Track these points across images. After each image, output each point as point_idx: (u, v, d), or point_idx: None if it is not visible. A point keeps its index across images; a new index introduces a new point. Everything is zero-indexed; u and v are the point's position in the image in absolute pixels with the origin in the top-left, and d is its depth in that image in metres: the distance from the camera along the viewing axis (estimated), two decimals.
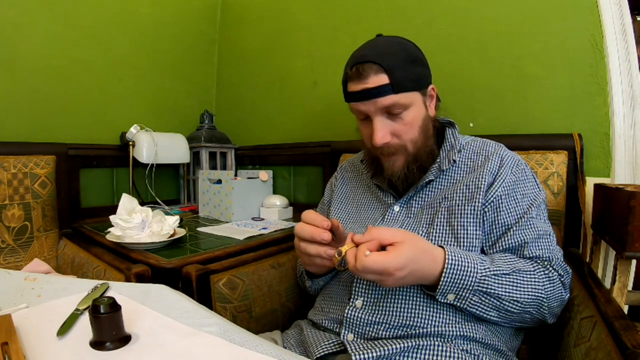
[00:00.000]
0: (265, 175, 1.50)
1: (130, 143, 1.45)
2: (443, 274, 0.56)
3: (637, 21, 1.61)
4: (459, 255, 0.58)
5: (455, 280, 0.57)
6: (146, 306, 0.57)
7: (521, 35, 1.03)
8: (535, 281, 0.61)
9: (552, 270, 0.63)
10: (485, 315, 0.60)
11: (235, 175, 1.57)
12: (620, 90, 0.90)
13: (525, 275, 0.60)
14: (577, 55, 0.95)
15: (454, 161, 0.73)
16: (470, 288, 0.57)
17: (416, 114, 0.71)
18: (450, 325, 0.61)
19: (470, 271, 0.57)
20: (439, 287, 0.57)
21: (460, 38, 1.13)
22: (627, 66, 0.90)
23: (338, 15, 1.43)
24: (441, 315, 0.62)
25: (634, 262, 0.77)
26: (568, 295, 0.66)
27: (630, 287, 0.77)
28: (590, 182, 0.90)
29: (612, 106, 0.91)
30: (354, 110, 0.73)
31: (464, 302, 0.59)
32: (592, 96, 0.94)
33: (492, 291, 0.58)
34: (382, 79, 0.66)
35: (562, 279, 0.64)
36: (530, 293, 0.60)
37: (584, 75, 0.94)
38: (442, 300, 0.59)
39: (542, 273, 0.62)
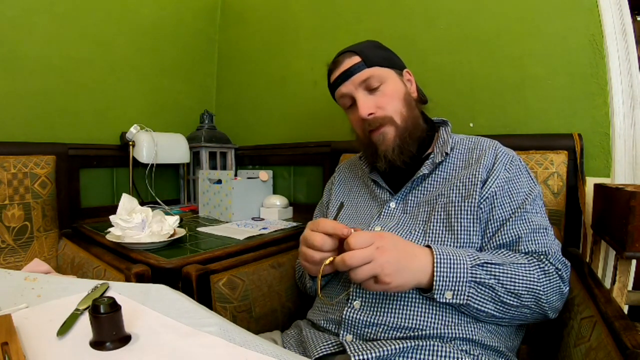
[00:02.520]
0: (265, 175, 1.50)
1: (130, 143, 1.45)
2: (435, 269, 0.57)
3: (637, 21, 1.61)
4: (446, 250, 0.59)
5: (449, 273, 0.57)
6: (146, 306, 0.56)
7: (521, 35, 1.03)
8: (529, 274, 0.60)
9: (549, 264, 0.62)
10: (484, 309, 0.59)
11: (235, 175, 1.57)
12: (620, 90, 0.90)
13: (518, 267, 0.60)
14: (577, 55, 0.95)
15: (447, 154, 0.74)
16: (465, 280, 0.58)
17: (395, 87, 0.76)
18: (449, 327, 0.61)
19: (460, 262, 0.58)
20: (434, 284, 0.57)
21: (461, 38, 1.13)
22: (627, 66, 0.90)
23: (338, 15, 1.43)
24: (440, 317, 0.61)
25: (634, 262, 0.77)
26: (567, 288, 0.65)
27: (630, 287, 0.77)
28: (590, 182, 0.90)
29: (612, 106, 0.91)
30: (339, 100, 0.81)
31: (461, 296, 0.58)
32: (592, 96, 0.94)
33: (486, 281, 0.58)
34: (354, 60, 0.76)
35: (559, 272, 0.63)
36: (525, 285, 0.59)
37: (584, 75, 0.94)
38: (441, 300, 0.58)
39: (537, 266, 0.62)
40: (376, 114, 0.74)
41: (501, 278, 0.59)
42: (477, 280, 0.58)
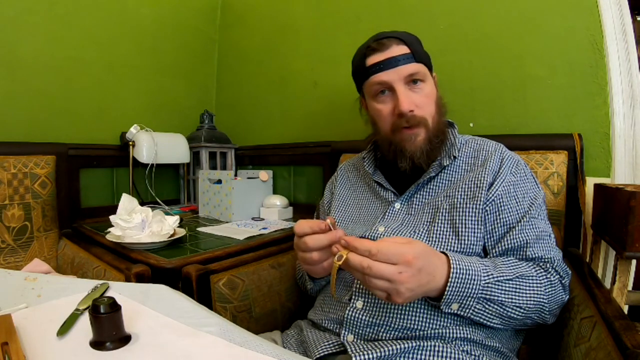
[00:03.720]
0: (265, 175, 1.50)
1: (130, 143, 1.45)
2: (449, 284, 0.55)
3: (637, 21, 1.61)
4: (463, 263, 0.57)
5: (460, 289, 0.56)
6: (146, 306, 0.56)
7: (521, 35, 1.03)
8: (537, 286, 0.60)
9: (554, 273, 0.63)
10: (487, 322, 0.60)
11: (235, 175, 1.57)
12: (620, 90, 0.90)
13: (527, 281, 0.60)
14: (577, 55, 0.95)
15: (454, 157, 0.74)
16: (474, 296, 0.57)
17: (432, 89, 0.74)
18: (450, 328, 0.61)
19: (475, 278, 0.56)
20: (443, 297, 0.56)
21: (460, 38, 1.13)
22: (627, 66, 0.90)
23: (338, 15, 1.43)
24: (441, 318, 0.61)
25: (634, 262, 0.77)
26: (567, 297, 0.66)
27: (630, 287, 0.77)
28: (590, 182, 0.90)
29: (612, 106, 0.91)
30: (371, 87, 0.74)
31: (467, 310, 0.58)
32: (592, 96, 0.94)
33: (496, 298, 0.58)
34: (403, 49, 0.71)
35: (562, 281, 0.64)
36: (532, 298, 0.60)
37: (584, 75, 0.94)
38: (447, 310, 0.58)
39: (544, 277, 0.62)
40: (415, 112, 0.71)
41: (511, 294, 0.58)
42: (487, 297, 0.57)
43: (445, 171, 0.75)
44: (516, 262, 0.63)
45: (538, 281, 0.61)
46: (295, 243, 0.65)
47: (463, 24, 1.13)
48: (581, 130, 0.92)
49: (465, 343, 0.61)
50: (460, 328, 0.61)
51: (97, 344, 0.45)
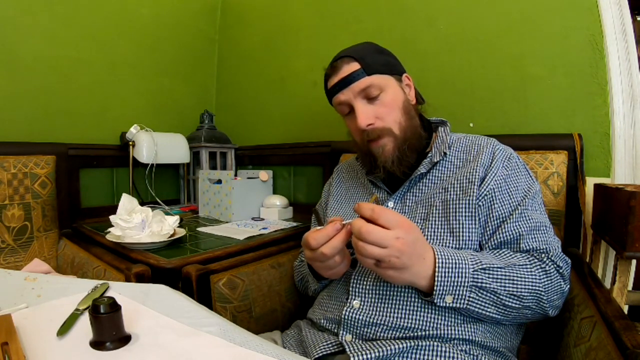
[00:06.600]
0: (265, 175, 1.50)
1: (130, 143, 1.45)
2: (436, 273, 0.56)
3: (637, 21, 1.61)
4: (448, 253, 0.58)
5: (450, 278, 0.56)
6: (146, 306, 0.57)
7: (521, 35, 1.03)
8: (530, 275, 0.60)
9: (549, 263, 0.62)
10: (485, 312, 0.59)
11: (235, 175, 1.56)
12: (620, 90, 0.90)
13: (520, 269, 0.60)
14: (577, 55, 0.95)
15: (445, 154, 0.74)
16: (466, 284, 0.57)
17: (394, 96, 0.74)
18: (448, 327, 0.60)
19: (462, 266, 0.57)
20: (435, 288, 0.56)
21: (460, 38, 1.13)
22: (627, 66, 0.90)
23: (338, 15, 1.43)
24: (439, 317, 0.61)
25: (634, 262, 0.77)
26: (568, 286, 0.65)
27: (630, 287, 0.77)
28: (590, 182, 0.90)
29: (612, 106, 0.91)
30: (337, 107, 0.79)
31: (462, 301, 0.58)
32: (592, 96, 0.94)
33: (487, 286, 0.58)
34: (353, 66, 0.73)
35: (560, 271, 0.63)
36: (527, 287, 0.59)
37: (584, 75, 0.94)
38: (441, 304, 0.58)
39: (538, 267, 0.61)
40: (375, 124, 0.73)
41: (503, 281, 0.58)
42: (479, 285, 0.58)
43: (437, 168, 0.75)
44: (509, 253, 0.64)
45: (531, 270, 0.60)
46: (310, 257, 0.65)
47: (463, 24, 1.13)
48: (581, 130, 0.92)
49: (464, 343, 0.61)
50: (459, 327, 0.61)
51: (97, 344, 0.45)
